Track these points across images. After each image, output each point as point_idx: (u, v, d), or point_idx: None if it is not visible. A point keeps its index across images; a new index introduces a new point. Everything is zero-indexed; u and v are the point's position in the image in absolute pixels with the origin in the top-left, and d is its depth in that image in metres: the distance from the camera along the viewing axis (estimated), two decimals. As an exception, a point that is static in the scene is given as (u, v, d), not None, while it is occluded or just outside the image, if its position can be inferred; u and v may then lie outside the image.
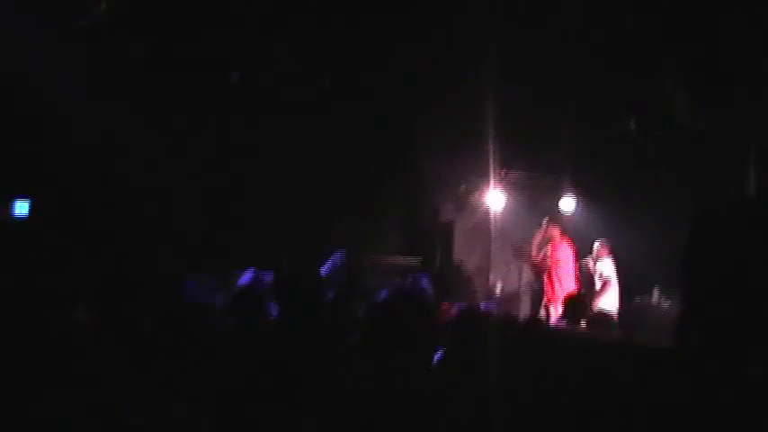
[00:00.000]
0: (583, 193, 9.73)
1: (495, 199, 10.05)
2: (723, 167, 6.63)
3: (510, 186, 10.15)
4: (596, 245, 8.62)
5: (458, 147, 9.96)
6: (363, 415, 2.77)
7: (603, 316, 5.67)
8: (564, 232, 7.49)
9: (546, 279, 7.51)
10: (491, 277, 10.30)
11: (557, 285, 7.38)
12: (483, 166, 9.56)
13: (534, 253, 7.59)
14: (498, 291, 10.01)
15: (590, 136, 8.61)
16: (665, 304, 8.35)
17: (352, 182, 10.43)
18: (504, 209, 10.19)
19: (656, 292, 8.52)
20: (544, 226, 7.49)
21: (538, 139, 9.05)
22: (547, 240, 7.47)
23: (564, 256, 7.37)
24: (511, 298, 9.71)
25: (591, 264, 8.55)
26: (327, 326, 3.99)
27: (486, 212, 10.21)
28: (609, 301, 8.35)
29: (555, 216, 7.62)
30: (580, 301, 6.05)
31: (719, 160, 6.48)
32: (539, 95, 8.43)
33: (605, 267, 8.58)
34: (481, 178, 9.99)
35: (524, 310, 10.13)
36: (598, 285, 8.54)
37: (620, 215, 8.45)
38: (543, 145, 9.14)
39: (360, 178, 10.45)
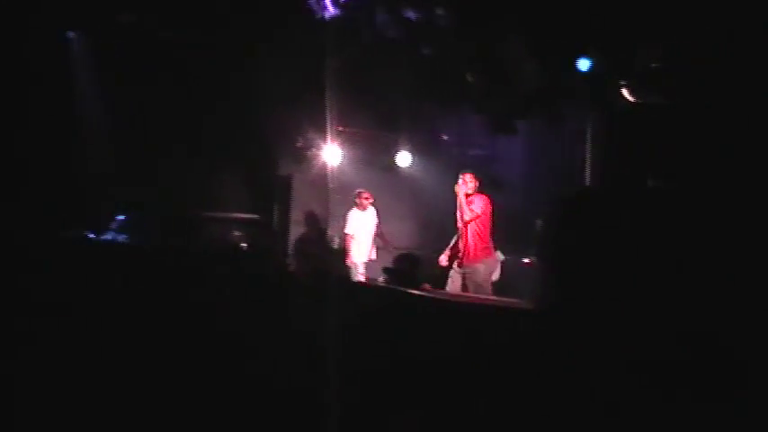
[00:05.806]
0: (419, 149, 10.07)
1: (332, 153, 10.14)
2: (566, 134, 7.04)
3: (347, 141, 10.27)
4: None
5: (296, 101, 9.89)
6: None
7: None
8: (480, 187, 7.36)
9: (465, 231, 7.31)
10: (329, 230, 10.45)
11: (476, 239, 7.25)
12: (320, 120, 9.58)
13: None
14: (336, 244, 10.16)
15: (429, 94, 8.84)
16: (501, 258, 8.83)
17: (192, 135, 10.10)
18: (343, 163, 10.33)
19: (497, 252, 8.97)
20: (468, 179, 7.25)
21: (375, 95, 9.19)
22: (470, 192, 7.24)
23: (486, 209, 7.22)
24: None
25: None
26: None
27: (324, 166, 10.29)
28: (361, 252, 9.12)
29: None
30: (414, 261, 6.29)
31: (561, 126, 6.84)
32: (378, 52, 8.51)
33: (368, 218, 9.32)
34: (319, 133, 10.02)
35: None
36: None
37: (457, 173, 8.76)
38: (380, 102, 9.30)
39: (200, 131, 10.13)
